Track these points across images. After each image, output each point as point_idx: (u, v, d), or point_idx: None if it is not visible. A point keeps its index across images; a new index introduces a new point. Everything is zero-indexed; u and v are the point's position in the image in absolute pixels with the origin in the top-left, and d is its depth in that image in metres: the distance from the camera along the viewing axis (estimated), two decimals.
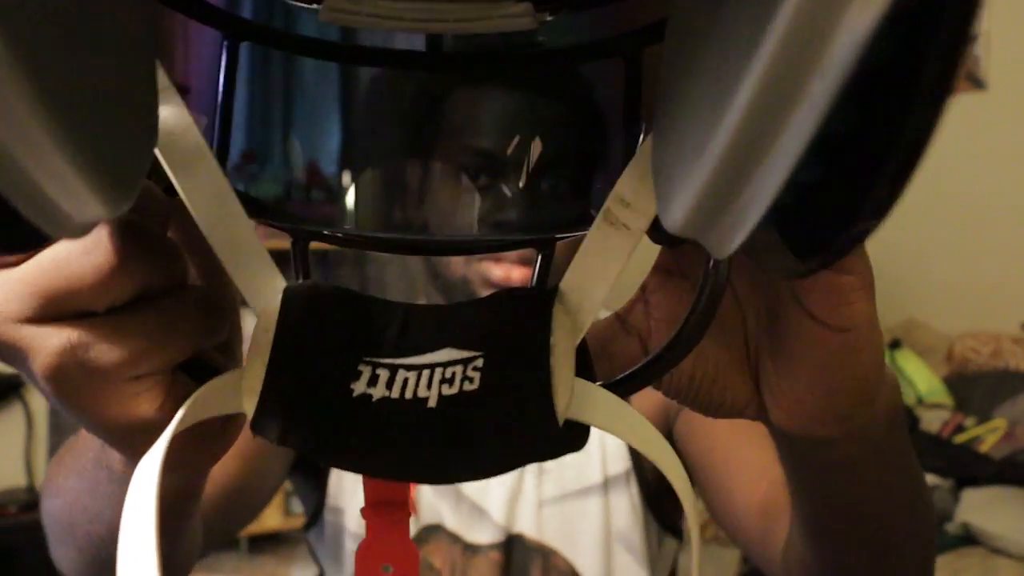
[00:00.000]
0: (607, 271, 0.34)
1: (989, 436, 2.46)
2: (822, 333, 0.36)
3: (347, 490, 0.99)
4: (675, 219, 0.27)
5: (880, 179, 0.22)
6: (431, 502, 0.97)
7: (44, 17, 0.22)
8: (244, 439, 0.38)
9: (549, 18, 0.41)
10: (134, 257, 0.32)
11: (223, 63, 0.41)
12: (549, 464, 0.95)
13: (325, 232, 0.42)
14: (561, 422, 0.33)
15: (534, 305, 0.35)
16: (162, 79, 0.33)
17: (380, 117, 0.46)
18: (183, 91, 0.35)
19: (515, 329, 0.35)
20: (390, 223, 0.45)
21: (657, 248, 0.43)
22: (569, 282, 0.35)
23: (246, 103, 0.43)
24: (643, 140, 0.39)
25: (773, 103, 0.20)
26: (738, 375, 0.41)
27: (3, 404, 2.83)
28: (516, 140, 0.45)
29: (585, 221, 0.43)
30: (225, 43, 0.41)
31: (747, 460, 0.86)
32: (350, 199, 0.44)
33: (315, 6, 0.41)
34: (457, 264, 0.88)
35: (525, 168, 0.44)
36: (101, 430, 0.35)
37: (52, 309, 0.31)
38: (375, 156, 0.46)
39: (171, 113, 0.33)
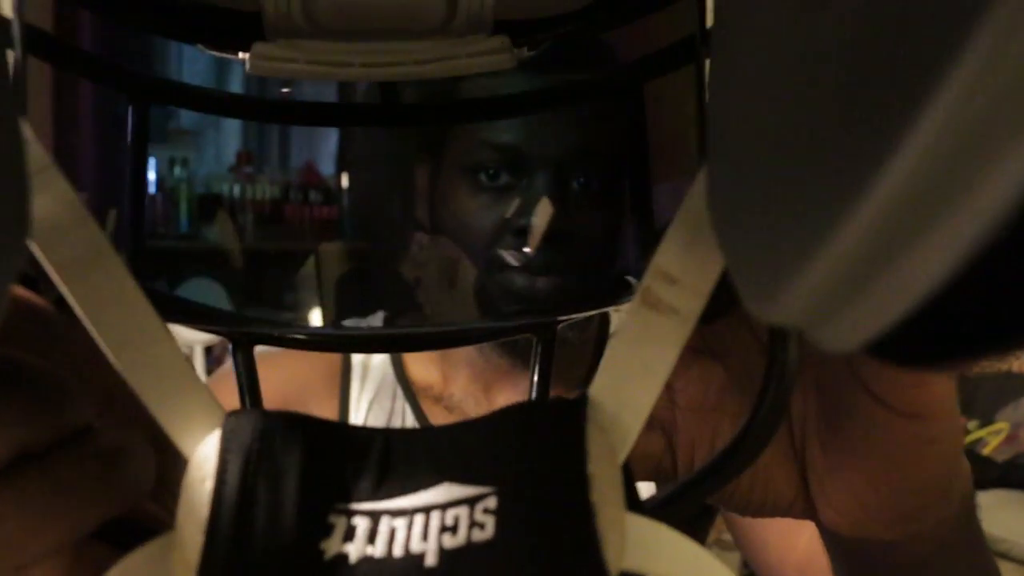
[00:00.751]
0: (652, 371, 0.26)
1: (992, 439, 2.43)
2: (890, 420, 0.30)
3: None
4: (779, 308, 0.19)
5: None
6: None
7: None
8: None
9: (529, 53, 0.34)
10: (5, 408, 0.23)
11: (130, 128, 0.33)
12: None
13: (274, 335, 0.34)
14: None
15: (558, 422, 0.26)
16: (40, 156, 0.25)
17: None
18: None
19: (537, 457, 0.26)
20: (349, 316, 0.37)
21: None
22: (602, 387, 0.26)
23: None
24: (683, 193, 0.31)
25: (961, 156, 0.13)
26: (781, 471, 0.34)
27: None
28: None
29: (594, 298, 0.36)
30: (130, 107, 0.33)
31: None
32: (303, 291, 0.36)
33: (238, 56, 0.33)
34: None
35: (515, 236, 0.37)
36: None
37: None
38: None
39: (54, 200, 0.25)
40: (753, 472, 0.34)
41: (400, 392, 0.84)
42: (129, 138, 0.33)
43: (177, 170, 0.36)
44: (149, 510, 0.29)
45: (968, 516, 0.40)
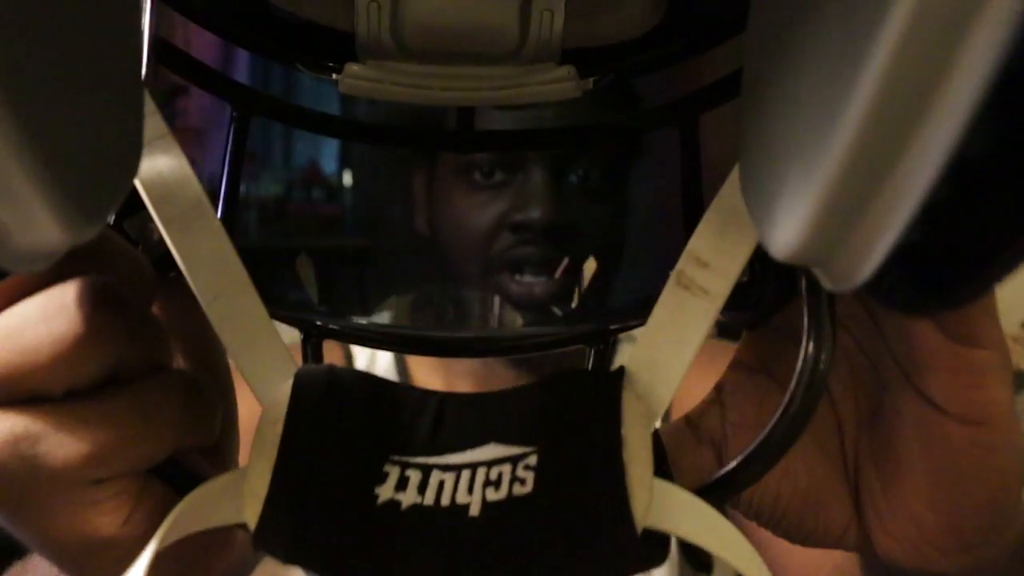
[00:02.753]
0: (684, 345, 0.28)
1: None
2: (946, 426, 0.29)
3: None
4: (788, 242, 0.21)
5: None
6: None
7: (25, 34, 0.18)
8: None
9: (593, 87, 0.37)
10: (106, 328, 0.26)
11: (230, 138, 0.37)
12: None
13: (341, 329, 0.37)
14: (639, 530, 0.27)
15: (598, 389, 0.29)
16: (158, 125, 0.29)
17: (399, 193, 0.41)
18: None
19: (576, 419, 0.28)
20: (418, 318, 0.39)
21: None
22: (638, 360, 0.29)
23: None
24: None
25: (912, 88, 0.16)
26: (833, 494, 0.33)
27: None
28: (562, 219, 0.40)
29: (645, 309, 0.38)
30: (233, 116, 0.37)
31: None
32: (373, 290, 0.39)
33: (332, 77, 0.37)
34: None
35: (572, 251, 0.39)
36: (49, 548, 0.28)
37: None
38: (399, 239, 0.41)
39: (167, 163, 0.29)
40: (805, 495, 0.33)
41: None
42: (228, 148, 0.37)
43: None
44: (203, 467, 0.32)
45: None
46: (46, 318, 0.25)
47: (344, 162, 0.41)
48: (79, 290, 0.26)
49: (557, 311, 0.40)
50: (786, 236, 0.21)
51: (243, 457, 0.31)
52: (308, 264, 0.39)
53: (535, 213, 0.41)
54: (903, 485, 0.31)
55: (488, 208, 0.43)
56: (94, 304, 0.26)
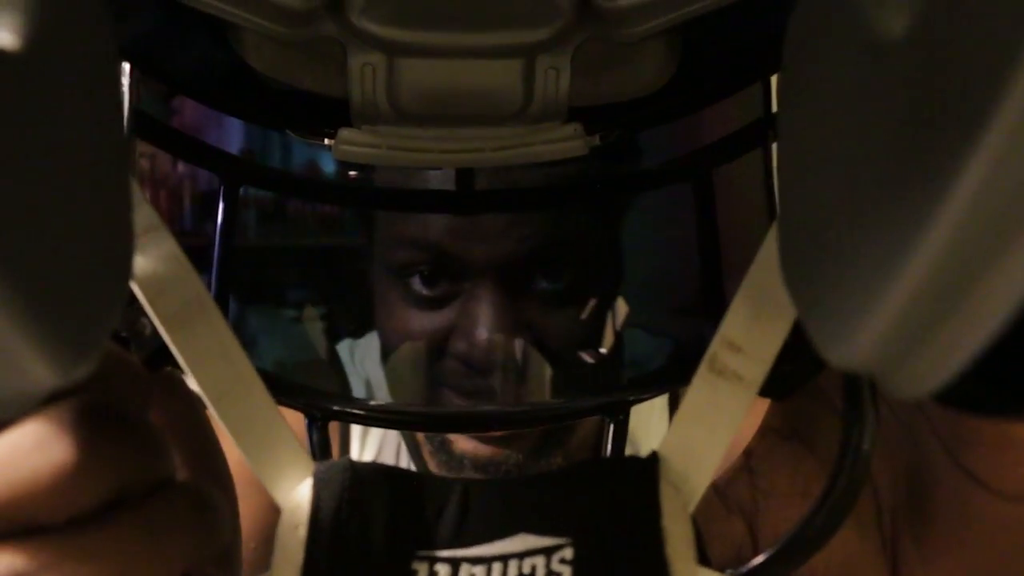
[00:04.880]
0: (718, 432, 0.27)
1: None
2: (992, 504, 0.28)
3: None
4: (850, 355, 0.19)
5: None
6: None
7: None
8: None
9: (600, 143, 0.36)
10: (106, 451, 0.24)
11: (220, 209, 0.35)
12: None
13: (350, 411, 0.35)
14: None
15: (633, 478, 0.27)
16: (150, 216, 0.27)
17: (404, 262, 0.39)
18: None
19: (612, 510, 0.27)
20: (426, 394, 0.37)
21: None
22: (671, 446, 0.27)
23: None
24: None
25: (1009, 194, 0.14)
26: (869, 565, 0.32)
27: None
28: (570, 280, 0.38)
29: (665, 378, 0.36)
30: (221, 187, 0.35)
31: None
32: (377, 368, 0.37)
33: (325, 142, 0.35)
34: None
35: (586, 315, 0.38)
36: None
37: None
38: (403, 312, 0.38)
39: (161, 256, 0.27)
40: (839, 568, 0.32)
41: (404, 451, 0.80)
42: (219, 219, 0.35)
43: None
44: (213, 573, 0.30)
45: None
46: (40, 445, 0.23)
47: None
48: (74, 411, 0.23)
49: (587, 357, 0.37)
50: (849, 348, 0.19)
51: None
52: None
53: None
54: (944, 559, 0.31)
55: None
56: (92, 425, 0.23)
